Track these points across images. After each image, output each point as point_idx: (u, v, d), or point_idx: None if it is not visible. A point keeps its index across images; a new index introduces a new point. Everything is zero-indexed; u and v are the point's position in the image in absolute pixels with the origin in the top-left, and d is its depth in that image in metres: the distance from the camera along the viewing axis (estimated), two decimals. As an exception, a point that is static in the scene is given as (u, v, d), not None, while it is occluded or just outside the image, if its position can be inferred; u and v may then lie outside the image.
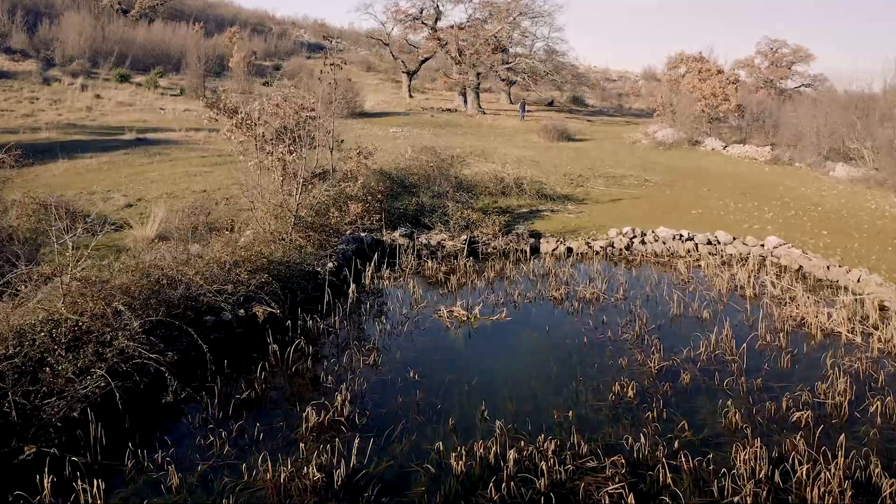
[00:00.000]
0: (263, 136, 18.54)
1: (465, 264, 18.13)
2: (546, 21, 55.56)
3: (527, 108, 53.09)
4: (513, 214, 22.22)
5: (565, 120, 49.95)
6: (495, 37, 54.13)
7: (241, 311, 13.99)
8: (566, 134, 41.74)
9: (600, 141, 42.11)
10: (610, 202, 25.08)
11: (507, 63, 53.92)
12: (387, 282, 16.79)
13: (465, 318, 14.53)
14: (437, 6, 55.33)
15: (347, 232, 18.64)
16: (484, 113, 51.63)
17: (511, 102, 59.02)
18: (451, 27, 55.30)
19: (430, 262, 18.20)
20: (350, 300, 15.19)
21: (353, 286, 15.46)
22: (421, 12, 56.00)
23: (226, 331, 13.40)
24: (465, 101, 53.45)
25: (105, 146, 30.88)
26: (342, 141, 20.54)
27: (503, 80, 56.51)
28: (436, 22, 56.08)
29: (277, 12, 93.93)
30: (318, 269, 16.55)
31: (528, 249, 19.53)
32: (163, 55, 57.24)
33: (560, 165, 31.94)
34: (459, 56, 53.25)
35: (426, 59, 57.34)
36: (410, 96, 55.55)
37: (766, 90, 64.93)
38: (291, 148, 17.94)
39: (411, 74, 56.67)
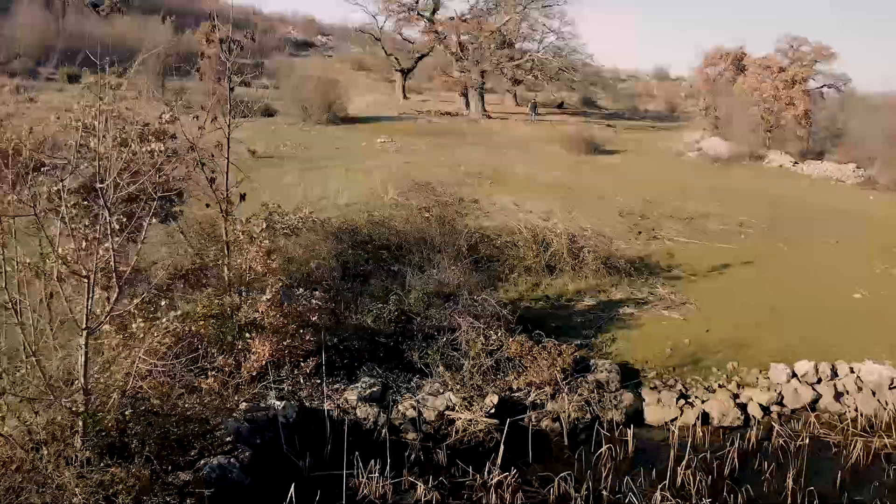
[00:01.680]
0: (50, 200, 7.68)
1: (498, 487, 7.36)
2: (557, 13, 44.18)
3: (537, 109, 42.08)
4: (570, 314, 11.37)
5: (583, 125, 38.99)
6: (500, 31, 42.89)
7: None
8: (593, 143, 30.73)
9: (636, 153, 31.09)
10: (713, 273, 14.19)
11: (515, 59, 42.73)
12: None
13: None
14: (436, -5, 43.97)
15: (241, 406, 7.77)
16: (489, 117, 40.57)
17: (517, 104, 47.78)
18: (452, 19, 43.92)
19: (420, 483, 7.36)
20: None
21: None
22: (416, 2, 44.57)
23: None
24: (467, 104, 42.23)
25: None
26: (243, 197, 9.29)
27: (511, 78, 45.30)
28: (433, 13, 44.61)
29: (266, 8, 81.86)
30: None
31: (622, 420, 8.74)
32: (128, 53, 46.00)
33: (605, 194, 20.99)
34: (461, 51, 42.01)
35: (423, 56, 46.01)
36: (405, 97, 44.36)
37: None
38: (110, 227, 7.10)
39: (406, 73, 45.41)
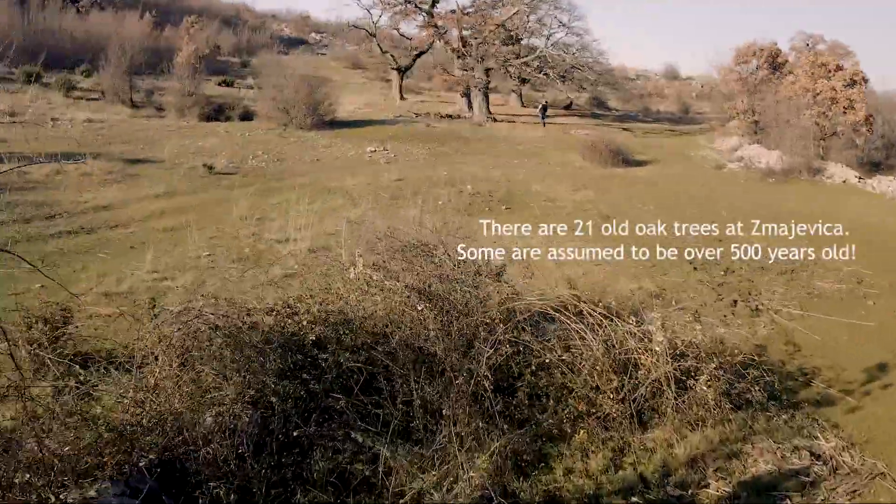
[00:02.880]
0: None
1: None
2: (566, 6, 38.18)
3: (547, 112, 36.24)
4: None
5: (599, 129, 33.29)
6: (504, 27, 36.96)
7: None
8: (619, 153, 24.91)
9: (667, 164, 25.25)
10: (873, 385, 8.46)
11: (522, 56, 36.84)
12: None
13: None
14: (435, -14, 37.90)
15: None
16: (495, 120, 34.74)
17: (523, 105, 41.83)
18: (453, 12, 37.92)
19: None
20: None
21: None
22: (414, -6, 38.52)
23: None
24: (470, 105, 36.33)
25: None
26: None
27: (517, 78, 39.38)
28: (432, 6, 38.56)
29: (258, 5, 75.17)
30: None
31: None
32: (102, 50, 39.86)
33: (655, 225, 15.22)
34: (463, 48, 36.07)
35: (421, 53, 40.07)
36: (402, 98, 38.48)
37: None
38: None
39: (403, 71, 39.48)
